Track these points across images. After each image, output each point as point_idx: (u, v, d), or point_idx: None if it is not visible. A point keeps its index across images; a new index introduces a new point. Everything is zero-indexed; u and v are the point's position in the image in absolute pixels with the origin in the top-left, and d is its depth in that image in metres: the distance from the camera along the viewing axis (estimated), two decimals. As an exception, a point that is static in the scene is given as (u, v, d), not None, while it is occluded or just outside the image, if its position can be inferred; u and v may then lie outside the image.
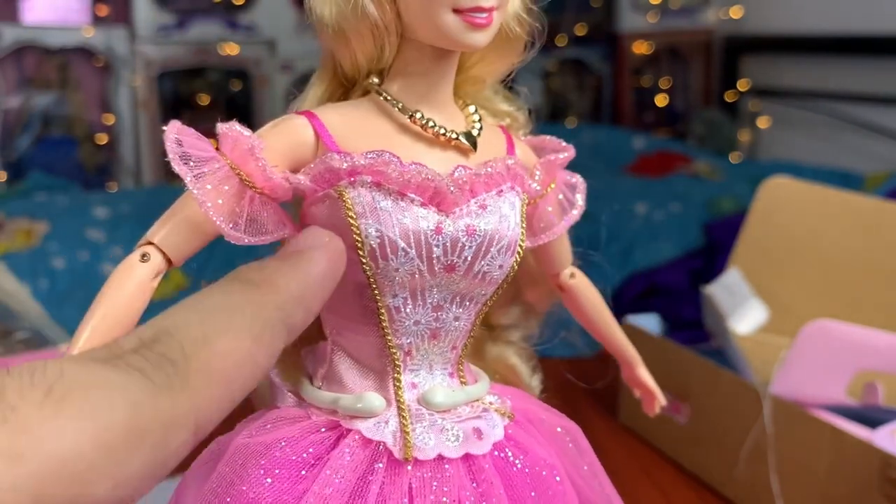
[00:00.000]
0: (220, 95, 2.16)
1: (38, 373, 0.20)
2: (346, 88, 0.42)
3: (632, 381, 0.52)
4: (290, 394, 0.41)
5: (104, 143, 2.06)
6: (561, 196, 0.45)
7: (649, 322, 1.05)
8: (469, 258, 0.38)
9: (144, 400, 0.21)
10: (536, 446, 0.41)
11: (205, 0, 2.10)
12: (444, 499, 0.37)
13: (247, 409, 0.45)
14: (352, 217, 0.36)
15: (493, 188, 0.40)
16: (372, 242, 0.36)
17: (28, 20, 1.99)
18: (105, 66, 2.04)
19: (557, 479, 0.41)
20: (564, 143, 0.45)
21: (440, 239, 0.37)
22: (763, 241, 1.10)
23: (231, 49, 2.10)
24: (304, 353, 0.43)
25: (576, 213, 0.45)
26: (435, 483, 0.37)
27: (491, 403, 0.42)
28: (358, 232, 0.36)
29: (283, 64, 2.12)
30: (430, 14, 0.37)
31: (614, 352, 0.51)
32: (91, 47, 2.02)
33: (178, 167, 0.35)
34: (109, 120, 2.06)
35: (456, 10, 0.36)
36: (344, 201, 0.37)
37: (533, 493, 0.39)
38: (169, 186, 1.85)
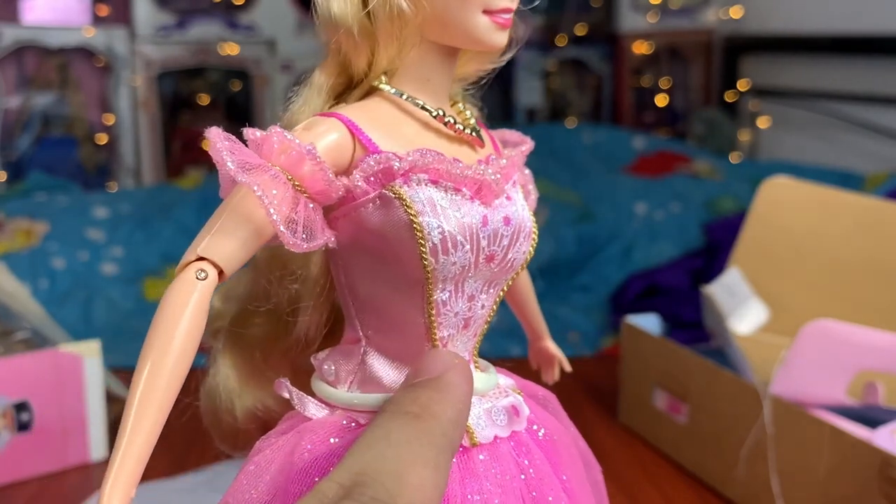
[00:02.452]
0: (220, 95, 2.15)
1: None
2: (345, 89, 0.42)
3: (538, 353, 0.55)
4: (317, 402, 0.41)
5: (104, 143, 2.06)
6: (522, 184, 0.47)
7: (649, 322, 1.05)
8: (506, 246, 0.40)
9: None
10: (545, 415, 0.44)
11: (205, 0, 2.10)
12: (508, 476, 0.39)
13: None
14: (413, 215, 0.37)
15: (510, 179, 0.41)
16: (434, 239, 0.37)
17: (28, 20, 1.99)
18: (105, 66, 2.04)
19: (567, 442, 0.43)
20: (525, 136, 0.46)
21: (486, 231, 0.39)
22: (763, 241, 1.10)
23: (231, 49, 2.10)
24: (317, 359, 0.42)
25: (534, 198, 0.47)
26: (496, 463, 0.39)
27: (503, 384, 0.44)
28: (420, 229, 0.37)
29: (283, 64, 2.11)
30: (462, 15, 0.38)
31: (528, 325, 0.54)
32: (91, 47, 2.02)
33: (242, 177, 0.34)
34: (109, 120, 2.06)
35: (485, 11, 0.38)
36: (403, 200, 0.37)
37: (559, 458, 0.42)
38: (169, 186, 1.85)
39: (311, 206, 0.36)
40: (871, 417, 0.76)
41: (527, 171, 0.47)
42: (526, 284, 0.52)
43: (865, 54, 1.82)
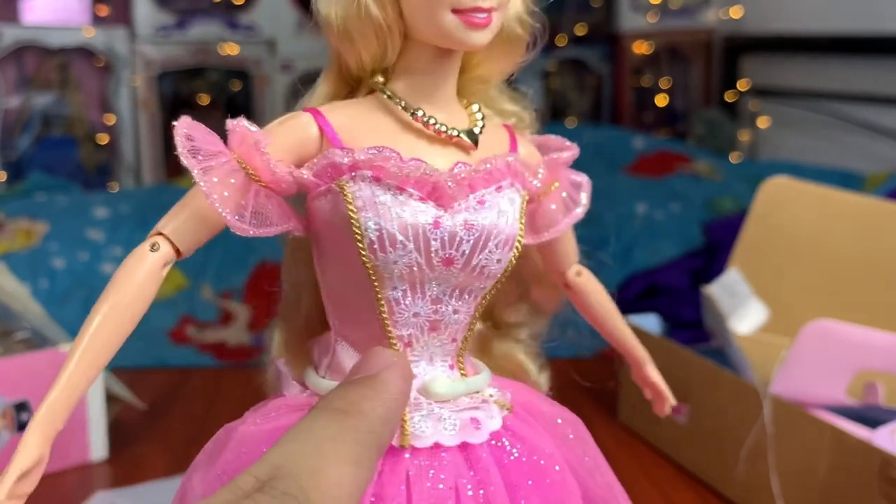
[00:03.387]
0: (220, 95, 2.16)
1: None
2: (351, 87, 0.43)
3: (641, 381, 0.53)
4: (294, 382, 0.43)
5: (104, 143, 2.06)
6: (565, 194, 0.46)
7: (649, 322, 1.05)
8: (467, 252, 0.39)
9: None
10: (534, 436, 0.42)
11: (205, 0, 2.10)
12: (441, 486, 0.38)
13: (259, 397, 0.45)
14: (352, 210, 0.38)
15: (493, 184, 0.40)
16: (371, 235, 0.38)
17: (28, 20, 1.99)
18: (105, 66, 2.04)
19: (556, 468, 0.41)
20: (569, 143, 0.46)
21: (438, 233, 0.38)
22: (763, 241, 1.10)
23: (231, 49, 2.10)
24: (311, 343, 0.44)
25: (579, 211, 0.46)
26: (432, 471, 0.38)
27: (490, 395, 0.43)
28: (358, 225, 0.38)
29: (283, 64, 2.12)
30: (430, 14, 0.38)
31: (622, 350, 0.52)
32: (91, 47, 2.02)
33: (186, 161, 0.36)
34: (109, 120, 2.06)
35: (455, 11, 0.37)
36: (345, 195, 0.38)
37: (530, 482, 0.40)
38: (169, 186, 1.85)
39: (267, 194, 0.38)
40: (871, 417, 0.76)
41: (579, 179, 0.46)
42: (601, 304, 0.50)
43: (865, 54, 1.82)
